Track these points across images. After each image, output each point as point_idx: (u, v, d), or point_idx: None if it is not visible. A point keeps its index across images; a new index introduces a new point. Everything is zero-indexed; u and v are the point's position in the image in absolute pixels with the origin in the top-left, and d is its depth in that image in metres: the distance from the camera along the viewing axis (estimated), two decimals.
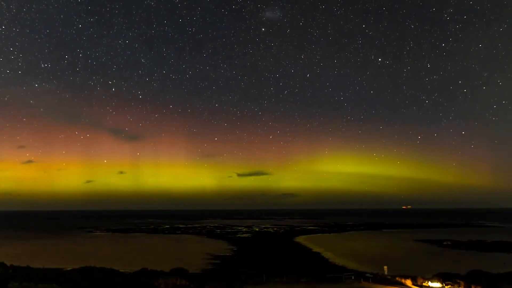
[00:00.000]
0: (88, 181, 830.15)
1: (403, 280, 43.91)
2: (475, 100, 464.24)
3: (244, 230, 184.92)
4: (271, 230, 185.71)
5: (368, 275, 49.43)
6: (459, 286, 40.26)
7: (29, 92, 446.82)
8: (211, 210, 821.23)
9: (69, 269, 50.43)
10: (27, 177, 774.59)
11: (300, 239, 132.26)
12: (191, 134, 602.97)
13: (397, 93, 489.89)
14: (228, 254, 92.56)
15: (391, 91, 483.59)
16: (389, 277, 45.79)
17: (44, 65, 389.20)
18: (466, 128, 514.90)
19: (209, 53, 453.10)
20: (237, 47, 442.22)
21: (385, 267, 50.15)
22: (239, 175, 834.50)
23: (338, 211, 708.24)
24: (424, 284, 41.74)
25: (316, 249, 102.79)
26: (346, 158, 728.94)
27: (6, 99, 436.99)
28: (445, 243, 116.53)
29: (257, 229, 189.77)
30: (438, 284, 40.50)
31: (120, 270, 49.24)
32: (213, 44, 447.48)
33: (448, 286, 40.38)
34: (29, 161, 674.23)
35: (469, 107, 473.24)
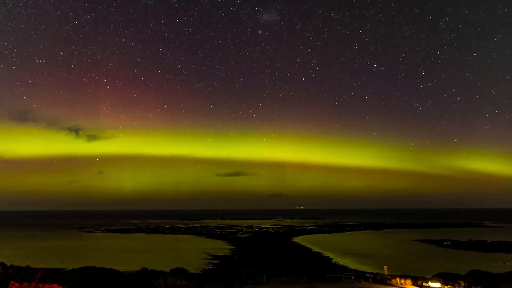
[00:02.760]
0: (71, 181, 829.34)
1: (403, 280, 43.90)
2: (468, 108, 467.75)
3: (244, 230, 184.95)
4: (271, 230, 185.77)
5: (368, 275, 49.45)
6: (459, 286, 40.24)
7: (23, 88, 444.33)
8: (209, 210, 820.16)
9: (69, 269, 50.46)
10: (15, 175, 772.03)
11: (300, 239, 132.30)
12: (185, 134, 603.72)
13: (391, 99, 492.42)
14: (228, 254, 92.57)
15: (386, 97, 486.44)
16: (389, 277, 45.77)
17: (38, 61, 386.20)
18: (458, 136, 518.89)
19: (205, 54, 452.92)
20: (234, 49, 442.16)
21: (385, 267, 50.16)
22: (224, 175, 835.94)
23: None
24: (424, 284, 41.72)
25: (316, 249, 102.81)
26: (339, 161, 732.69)
27: None
28: (445, 243, 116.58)
29: (257, 229, 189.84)
30: (438, 284, 40.48)
31: (120, 270, 49.27)
32: (210, 45, 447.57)
33: (448, 286, 40.36)
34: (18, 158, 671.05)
35: (462, 116, 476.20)
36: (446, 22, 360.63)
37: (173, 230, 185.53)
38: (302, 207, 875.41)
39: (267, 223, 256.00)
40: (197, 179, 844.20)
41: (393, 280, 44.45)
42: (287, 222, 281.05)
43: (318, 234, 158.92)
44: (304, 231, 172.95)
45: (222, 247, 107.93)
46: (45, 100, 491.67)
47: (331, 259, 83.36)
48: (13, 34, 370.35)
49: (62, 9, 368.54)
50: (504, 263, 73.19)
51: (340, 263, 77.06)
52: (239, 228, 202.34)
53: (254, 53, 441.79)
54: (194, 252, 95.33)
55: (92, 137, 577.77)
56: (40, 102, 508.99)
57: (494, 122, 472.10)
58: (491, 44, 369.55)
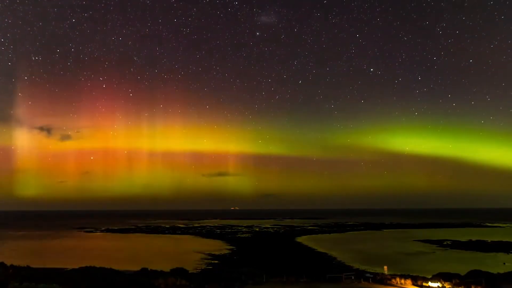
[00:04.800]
0: (61, 181, 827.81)
1: (403, 280, 43.88)
2: (463, 114, 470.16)
3: (244, 230, 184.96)
4: (271, 230, 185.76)
5: (368, 275, 49.43)
6: (459, 286, 40.23)
7: (18, 85, 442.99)
8: (206, 210, 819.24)
9: (69, 269, 50.44)
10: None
11: (301, 239, 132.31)
12: (181, 135, 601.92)
13: (387, 104, 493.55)
14: (228, 254, 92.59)
15: (382, 101, 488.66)
16: (389, 277, 45.76)
17: (34, 58, 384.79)
18: (453, 142, 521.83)
19: (202, 54, 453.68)
20: (231, 50, 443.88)
21: (385, 267, 50.15)
22: (219, 175, 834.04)
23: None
24: (424, 284, 41.70)
25: (316, 249, 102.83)
26: (334, 165, 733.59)
27: None
28: (445, 243, 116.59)
29: (257, 229, 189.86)
30: (438, 284, 40.48)
31: (120, 270, 49.23)
32: (207, 46, 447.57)
33: (448, 286, 40.35)
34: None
35: (457, 122, 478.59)
36: (443, 28, 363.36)
37: (173, 230, 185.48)
38: (236, 208, 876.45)
39: (267, 223, 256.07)
40: (192, 179, 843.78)
41: (393, 280, 44.43)
42: (287, 222, 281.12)
43: (318, 234, 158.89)
44: (304, 231, 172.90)
45: (222, 247, 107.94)
46: (39, 98, 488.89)
47: (331, 259, 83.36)
48: (9, 30, 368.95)
49: (59, 7, 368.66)
50: (504, 263, 73.18)
51: (340, 263, 77.06)
52: (239, 228, 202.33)
53: (251, 55, 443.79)
54: (194, 252, 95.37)
55: (87, 135, 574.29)
56: (34, 99, 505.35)
57: (489, 128, 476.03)
58: (487, 51, 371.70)
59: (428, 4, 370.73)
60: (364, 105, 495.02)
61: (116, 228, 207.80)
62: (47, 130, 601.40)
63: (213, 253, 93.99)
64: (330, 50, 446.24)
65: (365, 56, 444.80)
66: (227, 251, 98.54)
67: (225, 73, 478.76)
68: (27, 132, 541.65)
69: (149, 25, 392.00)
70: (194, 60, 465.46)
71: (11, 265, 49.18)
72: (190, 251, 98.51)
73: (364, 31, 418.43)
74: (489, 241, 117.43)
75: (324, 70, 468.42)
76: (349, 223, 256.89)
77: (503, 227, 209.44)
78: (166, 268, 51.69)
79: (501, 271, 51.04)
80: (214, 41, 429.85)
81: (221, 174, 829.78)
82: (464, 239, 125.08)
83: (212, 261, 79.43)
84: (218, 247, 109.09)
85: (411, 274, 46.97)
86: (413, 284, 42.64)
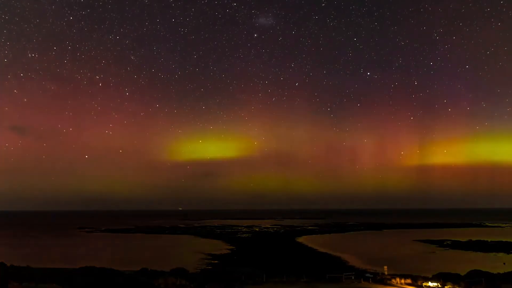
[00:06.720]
0: (55, 179, 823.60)
1: (403, 280, 43.90)
2: (459, 120, 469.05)
3: (244, 230, 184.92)
4: (271, 230, 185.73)
5: (368, 275, 49.42)
6: (459, 286, 40.23)
7: (14, 81, 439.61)
8: (204, 210, 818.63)
9: (69, 269, 50.45)
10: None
11: (301, 239, 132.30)
12: (176, 135, 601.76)
13: (383, 108, 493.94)
14: (228, 254, 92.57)
15: (377, 105, 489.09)
16: (389, 277, 45.77)
17: (31, 55, 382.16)
18: (448, 147, 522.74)
19: (199, 55, 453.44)
20: (228, 51, 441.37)
21: (385, 267, 50.13)
22: (214, 176, 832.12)
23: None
24: (424, 284, 41.71)
25: (316, 249, 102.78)
26: (329, 168, 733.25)
27: None
28: (445, 243, 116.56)
29: (257, 229, 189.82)
30: (438, 284, 40.49)
31: (120, 270, 49.23)
32: (205, 46, 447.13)
33: (448, 286, 40.35)
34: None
35: (453, 127, 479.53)
36: (440, 33, 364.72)
37: (173, 230, 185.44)
38: (180, 208, 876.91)
39: (267, 223, 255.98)
40: (187, 180, 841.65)
41: (393, 280, 44.45)
42: (287, 222, 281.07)
43: (319, 234, 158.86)
44: (304, 231, 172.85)
45: (222, 247, 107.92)
46: (35, 95, 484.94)
47: (332, 259, 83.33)
48: (6, 26, 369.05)
49: (57, 4, 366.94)
50: (504, 263, 73.16)
51: (340, 263, 77.05)
52: (239, 228, 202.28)
53: (248, 56, 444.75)
54: (194, 252, 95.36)
55: (82, 134, 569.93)
56: (30, 96, 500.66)
57: (484, 134, 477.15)
58: (483, 57, 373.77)
59: (426, 9, 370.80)
60: (360, 108, 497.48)
61: (116, 228, 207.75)
62: (42, 128, 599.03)
63: (213, 253, 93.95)
64: (327, 53, 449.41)
65: (362, 59, 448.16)
66: (227, 251, 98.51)
67: (222, 74, 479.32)
68: (23, 131, 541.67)
69: (146, 24, 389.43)
70: (191, 60, 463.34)
71: (11, 265, 49.19)
72: (190, 251, 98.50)
73: (362, 35, 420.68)
74: (489, 241, 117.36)
75: (321, 73, 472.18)
76: (349, 223, 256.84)
77: (503, 227, 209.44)
78: (166, 268, 51.72)
79: (501, 271, 51.03)
80: (212, 41, 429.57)
81: (216, 174, 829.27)
82: (464, 239, 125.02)
83: (212, 261, 79.41)
84: (218, 247, 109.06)
85: (411, 274, 46.99)
86: (413, 284, 42.65)
